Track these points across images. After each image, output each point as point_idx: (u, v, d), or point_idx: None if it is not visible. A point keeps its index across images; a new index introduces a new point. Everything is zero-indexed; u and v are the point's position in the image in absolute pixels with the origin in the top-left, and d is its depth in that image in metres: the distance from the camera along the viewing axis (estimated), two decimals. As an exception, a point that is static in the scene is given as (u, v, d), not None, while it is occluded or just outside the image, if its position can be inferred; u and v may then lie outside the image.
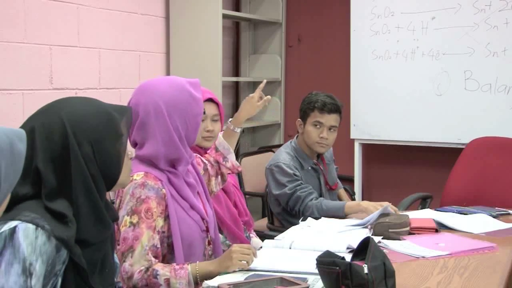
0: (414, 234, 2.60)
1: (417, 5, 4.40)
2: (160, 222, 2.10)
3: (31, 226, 1.48)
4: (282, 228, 3.05)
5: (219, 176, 2.52)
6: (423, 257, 2.29)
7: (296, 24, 5.23)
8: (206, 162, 2.48)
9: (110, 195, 2.14)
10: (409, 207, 3.48)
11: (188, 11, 4.39)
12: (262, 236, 2.97)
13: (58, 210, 1.54)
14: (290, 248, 2.39)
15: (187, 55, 4.40)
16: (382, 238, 2.50)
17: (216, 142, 2.52)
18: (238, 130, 2.52)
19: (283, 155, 3.29)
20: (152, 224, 2.07)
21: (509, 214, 3.03)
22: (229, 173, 2.55)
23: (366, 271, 1.74)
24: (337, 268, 1.76)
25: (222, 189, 2.77)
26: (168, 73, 4.42)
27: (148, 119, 2.13)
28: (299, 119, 3.36)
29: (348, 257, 1.92)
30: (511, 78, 4.17)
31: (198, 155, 2.49)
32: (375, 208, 2.85)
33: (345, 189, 3.75)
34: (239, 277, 2.01)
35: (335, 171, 3.59)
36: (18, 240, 1.46)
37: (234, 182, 2.96)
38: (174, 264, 2.08)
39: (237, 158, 2.60)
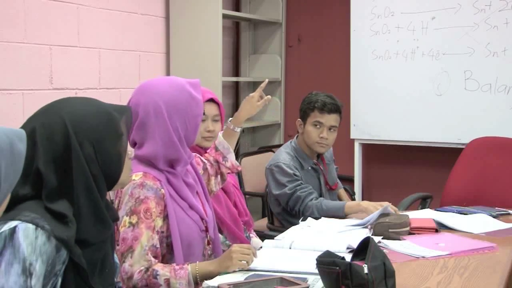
0: (414, 234, 2.60)
1: (417, 5, 4.40)
2: (159, 222, 2.10)
3: (31, 226, 1.48)
4: (282, 228, 3.05)
5: (219, 176, 2.52)
6: (423, 257, 2.29)
7: (296, 24, 5.23)
8: (206, 161, 2.48)
9: (110, 194, 2.14)
10: (409, 207, 3.48)
11: (188, 11, 4.39)
12: (262, 236, 2.97)
13: (58, 210, 1.54)
14: (290, 248, 2.39)
15: (187, 55, 4.40)
16: (382, 238, 2.50)
17: (216, 141, 2.52)
18: (238, 130, 2.52)
19: (283, 155, 3.29)
20: (151, 224, 2.07)
21: (509, 214, 3.03)
22: (228, 173, 2.55)
23: (366, 271, 1.74)
24: (337, 268, 1.76)
25: (222, 189, 2.77)
26: (168, 73, 4.43)
27: (147, 119, 2.13)
28: (299, 119, 3.36)
29: (348, 257, 1.92)
30: (511, 78, 4.17)
31: (198, 155, 2.49)
32: (375, 208, 2.85)
33: (345, 189, 3.75)
34: (239, 277, 2.01)
35: (335, 171, 3.59)
36: (18, 240, 1.46)
37: (234, 182, 2.96)
38: (174, 264, 2.08)
39: (237, 158, 2.60)
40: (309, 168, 3.34)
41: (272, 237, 2.56)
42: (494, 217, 2.93)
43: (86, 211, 1.59)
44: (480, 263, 2.24)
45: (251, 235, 2.91)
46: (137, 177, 2.09)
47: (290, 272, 2.04)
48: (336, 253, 1.89)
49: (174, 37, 4.44)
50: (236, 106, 5.18)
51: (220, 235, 2.57)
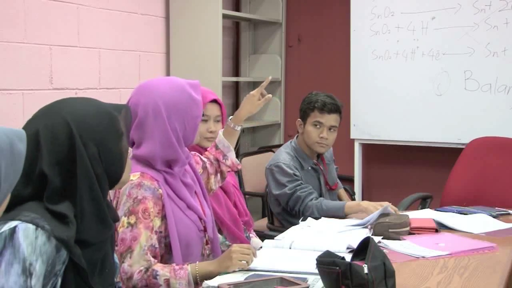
0: (414, 234, 2.60)
1: (417, 5, 4.40)
2: (157, 222, 2.10)
3: (31, 226, 1.48)
4: (282, 228, 3.05)
5: (219, 174, 2.52)
6: (423, 257, 2.29)
7: (296, 24, 5.23)
8: (205, 160, 2.48)
9: (110, 194, 2.14)
10: (409, 207, 3.48)
11: (188, 11, 4.39)
12: (262, 236, 2.97)
13: (59, 211, 1.54)
14: (290, 248, 2.39)
15: (187, 55, 4.40)
16: (382, 238, 2.50)
17: (216, 140, 2.52)
18: (238, 128, 2.51)
19: (283, 155, 3.29)
20: (149, 224, 2.07)
21: (509, 214, 3.03)
22: (229, 171, 2.54)
23: (366, 271, 1.74)
24: (337, 268, 1.76)
25: (222, 189, 2.77)
26: (168, 73, 4.43)
27: (146, 119, 2.13)
28: (299, 119, 3.36)
29: (348, 257, 1.92)
30: (511, 78, 4.17)
31: (197, 154, 2.48)
32: (375, 208, 2.85)
33: (345, 189, 3.75)
34: (239, 277, 2.01)
35: (335, 171, 3.59)
36: (18, 240, 1.46)
37: (233, 182, 2.96)
38: (174, 264, 2.08)
39: (237, 158, 2.60)
40: (309, 168, 3.34)
41: (272, 237, 2.56)
42: (494, 217, 2.93)
43: (88, 212, 1.59)
44: (480, 263, 2.24)
45: (251, 235, 2.91)
46: (134, 177, 2.09)
47: (290, 272, 2.04)
48: (336, 253, 1.90)
49: (174, 37, 4.43)
50: (236, 106, 5.18)
51: (220, 235, 2.57)
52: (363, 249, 1.88)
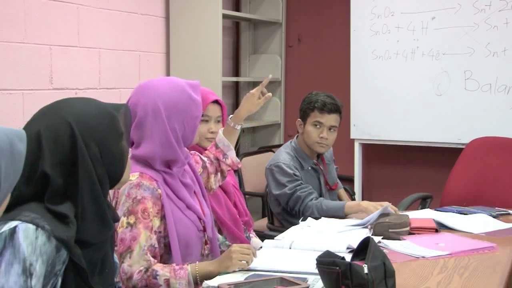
0: (414, 234, 2.60)
1: (417, 5, 4.40)
2: (156, 222, 2.10)
3: (31, 226, 1.48)
4: (282, 228, 3.05)
5: (219, 173, 2.52)
6: (423, 257, 2.29)
7: (296, 24, 5.23)
8: (205, 159, 2.47)
9: (110, 194, 2.14)
10: (409, 207, 3.48)
11: (188, 11, 4.39)
12: (262, 236, 2.97)
13: (59, 211, 1.54)
14: (290, 248, 2.39)
15: (187, 55, 4.40)
16: (382, 238, 2.50)
17: (216, 139, 2.52)
18: (238, 127, 2.51)
19: (283, 155, 3.29)
20: (149, 224, 2.07)
21: (509, 214, 3.03)
22: (229, 170, 2.54)
23: (366, 271, 1.74)
24: (337, 268, 1.76)
25: (222, 189, 2.77)
26: (168, 73, 4.43)
27: (145, 120, 2.13)
28: (299, 119, 3.36)
29: (348, 257, 1.92)
30: (511, 78, 4.17)
31: (197, 153, 2.48)
32: (375, 208, 2.85)
33: (345, 189, 3.75)
34: (239, 277, 2.01)
35: (335, 171, 3.59)
36: (18, 240, 1.46)
37: (233, 182, 2.96)
38: (174, 264, 2.08)
39: (237, 157, 2.61)
40: (309, 168, 3.34)
41: (272, 237, 2.56)
42: (494, 217, 2.93)
43: (89, 212, 1.59)
44: (480, 263, 2.24)
45: (251, 235, 2.91)
46: (133, 177, 2.09)
47: (290, 272, 2.04)
48: (336, 253, 1.89)
49: (174, 37, 4.44)
50: (236, 106, 5.18)
51: (220, 235, 2.57)
52: (363, 249, 1.88)
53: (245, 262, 2.09)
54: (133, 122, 2.11)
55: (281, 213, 3.33)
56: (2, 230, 1.47)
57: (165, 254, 2.15)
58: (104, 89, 3.87)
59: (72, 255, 1.54)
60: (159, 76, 3.63)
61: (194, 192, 2.29)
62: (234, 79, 5.14)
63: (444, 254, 2.32)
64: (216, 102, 2.71)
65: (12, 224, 1.48)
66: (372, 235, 2.53)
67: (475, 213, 2.99)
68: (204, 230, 2.26)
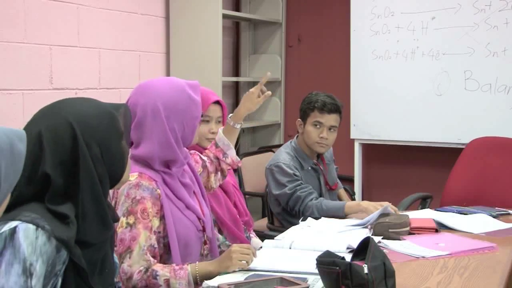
0: (414, 234, 2.60)
1: (417, 5, 4.40)
2: (156, 223, 2.10)
3: (31, 227, 1.48)
4: (282, 228, 3.05)
5: (219, 172, 2.52)
6: (423, 257, 2.29)
7: (296, 24, 5.23)
8: (205, 159, 2.47)
9: (109, 194, 2.14)
10: (409, 207, 3.48)
11: (188, 11, 4.39)
12: (262, 236, 2.97)
13: (60, 211, 1.54)
14: (290, 248, 2.39)
15: (187, 55, 4.40)
16: (382, 238, 2.50)
17: (216, 138, 2.52)
18: (238, 126, 2.51)
19: (283, 155, 3.29)
20: (148, 224, 2.07)
21: (509, 214, 3.03)
22: (229, 169, 2.54)
23: (366, 271, 1.74)
24: (337, 268, 1.76)
25: (222, 189, 2.77)
26: (168, 73, 4.43)
27: (145, 120, 2.13)
28: (299, 119, 3.36)
29: (348, 257, 1.92)
30: (511, 78, 4.17)
31: (197, 152, 2.48)
32: (375, 208, 2.85)
33: (345, 189, 3.76)
34: (239, 277, 2.01)
35: (335, 171, 3.59)
36: (18, 240, 1.46)
37: (233, 182, 2.96)
38: (174, 264, 2.08)
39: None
40: (309, 168, 3.34)
41: (272, 237, 2.56)
42: (494, 217, 2.93)
43: (90, 212, 1.59)
44: (480, 263, 2.24)
45: (251, 235, 2.91)
46: (132, 177, 2.09)
47: (290, 272, 2.04)
48: (336, 253, 1.90)
49: (174, 37, 4.44)
50: (236, 106, 5.13)
51: (220, 235, 2.57)
52: (363, 249, 1.88)
53: (245, 262, 2.09)
54: (133, 122, 2.11)
55: (281, 213, 3.33)
56: (2, 230, 1.47)
57: (164, 254, 2.15)
58: (104, 89, 3.87)
59: (72, 255, 1.54)
60: (159, 76, 3.63)
61: (194, 192, 2.29)
62: (234, 79, 5.14)
63: (444, 254, 2.32)
64: (217, 102, 2.71)
65: (12, 224, 1.48)
66: (372, 235, 2.53)
67: (475, 213, 2.99)
68: (204, 230, 2.26)
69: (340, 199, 3.56)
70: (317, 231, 2.69)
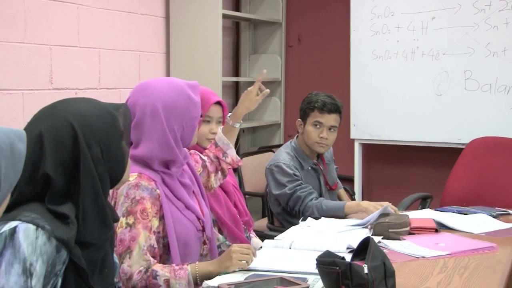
0: (414, 234, 2.60)
1: (417, 5, 4.40)
2: (155, 223, 2.10)
3: (31, 227, 1.48)
4: (282, 228, 3.05)
5: (219, 172, 2.52)
6: (423, 257, 2.29)
7: (296, 24, 5.23)
8: (205, 158, 2.47)
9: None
10: (409, 207, 3.48)
11: (188, 11, 4.39)
12: (262, 236, 2.97)
13: (60, 211, 1.54)
14: (290, 248, 2.39)
15: (187, 55, 4.40)
16: (382, 238, 2.50)
17: (215, 137, 2.52)
18: (237, 125, 2.51)
19: (283, 155, 3.29)
20: (148, 224, 2.07)
21: (509, 214, 3.03)
22: (229, 168, 2.54)
23: (366, 271, 1.74)
24: (337, 268, 1.76)
25: (222, 189, 2.77)
26: (168, 73, 4.43)
27: (143, 120, 2.12)
28: (299, 119, 3.36)
29: (348, 257, 1.92)
30: (511, 78, 4.17)
31: (197, 152, 2.48)
32: (375, 208, 2.85)
33: (345, 189, 3.76)
34: (239, 277, 2.01)
35: (335, 171, 3.59)
36: (18, 240, 1.46)
37: (233, 182, 2.96)
38: (174, 264, 2.08)
39: (237, 158, 2.62)
40: (309, 168, 3.34)
41: (272, 237, 2.56)
42: (494, 217, 2.93)
43: (90, 212, 1.59)
44: (480, 263, 2.24)
45: (251, 235, 2.91)
46: (132, 177, 2.09)
47: (290, 272, 2.04)
48: (336, 253, 1.90)
49: (174, 37, 4.44)
50: (236, 106, 5.17)
51: (220, 235, 2.57)
52: (363, 249, 1.88)
53: (245, 262, 2.09)
54: (132, 122, 2.11)
55: (281, 213, 3.33)
56: (2, 230, 1.47)
57: (164, 254, 2.15)
58: (104, 89, 3.87)
59: (72, 256, 1.54)
60: (159, 76, 3.64)
61: (193, 192, 2.29)
62: (234, 79, 5.14)
63: (444, 254, 2.32)
64: (218, 103, 2.71)
65: (12, 224, 1.48)
66: (372, 235, 2.53)
67: (475, 213, 2.99)
68: (203, 230, 2.26)
69: (340, 199, 3.56)
70: (317, 231, 2.69)
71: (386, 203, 2.87)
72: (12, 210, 1.50)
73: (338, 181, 3.61)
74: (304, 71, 5.20)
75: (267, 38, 5.29)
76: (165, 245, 2.14)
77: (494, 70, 4.19)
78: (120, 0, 3.99)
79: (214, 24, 4.36)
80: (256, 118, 5.22)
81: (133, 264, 2.03)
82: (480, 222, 2.83)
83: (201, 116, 2.28)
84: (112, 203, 2.10)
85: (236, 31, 5.37)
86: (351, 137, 4.69)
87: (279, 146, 3.91)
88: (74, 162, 1.57)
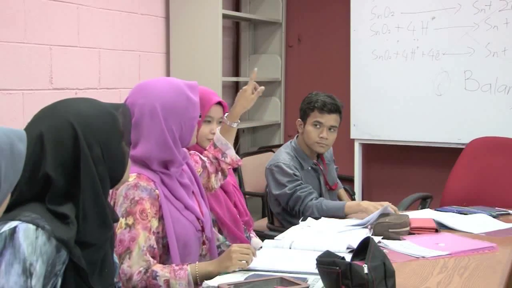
0: (414, 234, 2.60)
1: (417, 5, 4.40)
2: (154, 223, 2.10)
3: (31, 227, 1.48)
4: (282, 228, 3.05)
5: (220, 172, 2.51)
6: (423, 257, 2.29)
7: (296, 24, 5.23)
8: (205, 159, 2.47)
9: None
10: (409, 207, 3.48)
11: (188, 11, 4.39)
12: (262, 236, 2.97)
13: (60, 211, 1.54)
14: (290, 248, 2.39)
15: (187, 55, 4.40)
16: (382, 238, 2.50)
17: (214, 138, 2.52)
18: (235, 125, 2.50)
19: (283, 155, 3.29)
20: (147, 225, 2.07)
21: (509, 214, 3.03)
22: (229, 168, 2.54)
23: (366, 271, 1.75)
24: (337, 268, 1.76)
25: (222, 189, 2.77)
26: (168, 73, 4.43)
27: (142, 120, 2.12)
28: (299, 119, 3.36)
29: (348, 257, 1.92)
30: (511, 78, 4.17)
31: (197, 153, 2.48)
32: (375, 208, 2.85)
33: (345, 189, 3.76)
34: (239, 277, 2.01)
35: (335, 171, 3.59)
36: (18, 240, 1.46)
37: (233, 182, 2.96)
38: (174, 265, 2.08)
39: (237, 158, 2.62)
40: (309, 168, 3.34)
41: (272, 237, 2.56)
42: (494, 217, 2.93)
43: (90, 213, 1.59)
44: (480, 263, 2.24)
45: (251, 235, 2.91)
46: (131, 178, 2.08)
47: (290, 272, 2.04)
48: (336, 253, 1.90)
49: (174, 37, 4.44)
50: (235, 106, 5.18)
51: (220, 235, 2.57)
52: (363, 249, 1.88)
53: (245, 262, 2.09)
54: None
55: (281, 213, 3.33)
56: (2, 230, 1.47)
57: (163, 255, 2.15)
58: (104, 89, 3.87)
59: (72, 256, 1.54)
60: (159, 76, 3.63)
61: (193, 192, 2.28)
62: (234, 79, 5.14)
63: (444, 254, 2.32)
64: (218, 103, 2.71)
65: (12, 224, 1.48)
66: (372, 235, 2.53)
67: (475, 213, 2.99)
68: (203, 230, 2.26)
69: (340, 199, 3.56)
70: (317, 231, 2.69)
71: (386, 203, 2.87)
72: (12, 210, 1.50)
73: (338, 181, 3.61)
74: (304, 71, 5.20)
75: (267, 38, 5.29)
76: (164, 246, 2.14)
77: (494, 70, 4.19)
78: (120, 0, 3.99)
79: (214, 24, 4.36)
80: (256, 118, 5.21)
81: (133, 265, 2.02)
82: (480, 222, 2.83)
83: (200, 116, 2.27)
84: (111, 203, 2.10)
85: (236, 31, 5.37)
86: (351, 137, 4.69)
87: (279, 146, 3.91)
88: (74, 162, 1.57)
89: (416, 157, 4.72)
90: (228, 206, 2.79)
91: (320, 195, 3.30)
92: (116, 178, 1.69)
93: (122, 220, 2.05)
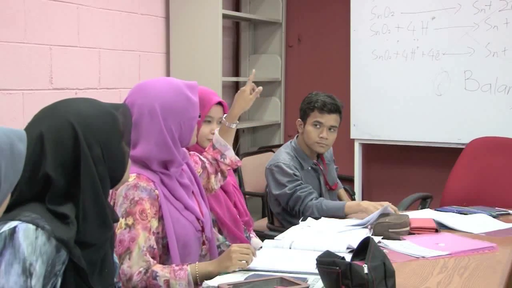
0: (414, 234, 2.60)
1: (417, 5, 4.40)
2: (154, 223, 2.10)
3: (31, 227, 1.48)
4: (282, 228, 3.05)
5: (219, 173, 2.51)
6: (423, 257, 2.29)
7: (296, 24, 5.23)
8: (205, 160, 2.47)
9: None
10: (409, 207, 3.48)
11: (188, 11, 4.39)
12: (262, 236, 2.97)
13: (60, 211, 1.54)
14: (290, 248, 2.39)
15: (187, 55, 4.40)
16: (382, 238, 2.50)
17: (213, 139, 2.52)
18: (234, 126, 2.50)
19: (283, 155, 3.29)
20: (147, 225, 2.07)
21: (509, 214, 3.03)
22: (229, 169, 2.54)
23: (366, 271, 1.75)
24: (337, 268, 1.76)
25: (222, 189, 2.77)
26: (168, 73, 4.43)
27: (141, 120, 2.12)
28: (299, 119, 3.37)
29: (348, 257, 1.92)
30: (511, 78, 4.17)
31: (196, 153, 2.48)
32: (375, 208, 2.85)
33: (345, 189, 3.76)
34: (239, 277, 2.01)
35: (335, 171, 3.59)
36: (18, 240, 1.46)
37: (233, 182, 2.96)
38: (174, 265, 2.08)
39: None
40: (309, 168, 3.34)
41: (272, 237, 2.56)
42: (494, 217, 2.93)
43: (91, 213, 1.59)
44: (480, 263, 2.24)
45: (251, 235, 2.91)
46: (130, 178, 2.08)
47: (290, 272, 2.04)
48: (336, 253, 1.90)
49: (174, 37, 4.44)
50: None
51: (220, 235, 2.57)
52: (363, 249, 1.88)
53: (244, 262, 2.09)
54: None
55: (281, 213, 3.33)
56: (2, 230, 1.47)
57: (163, 255, 2.15)
58: (104, 89, 3.87)
59: (72, 256, 1.54)
60: (159, 76, 3.63)
61: (193, 192, 2.28)
62: (234, 79, 5.14)
63: (444, 254, 2.32)
64: (219, 103, 2.71)
65: (12, 224, 1.48)
66: (372, 235, 2.53)
67: (475, 213, 2.99)
68: (202, 230, 2.26)
69: (340, 199, 3.56)
70: (317, 231, 2.69)
71: (386, 203, 2.87)
72: (12, 210, 1.50)
73: (338, 181, 3.61)
74: (304, 71, 5.20)
75: (267, 38, 5.29)
76: (164, 246, 2.14)
77: (494, 70, 4.19)
78: (120, 0, 3.99)
79: (214, 24, 4.36)
80: (256, 118, 5.21)
81: (133, 265, 2.02)
82: (480, 222, 2.83)
83: (200, 116, 2.27)
84: (111, 204, 2.10)
85: (236, 31, 5.37)
86: (351, 137, 4.69)
87: (279, 146, 3.91)
88: (75, 162, 1.57)
89: (416, 157, 4.72)
90: (228, 206, 2.79)
91: (320, 195, 3.30)
92: (116, 178, 1.69)
93: (122, 221, 2.05)
